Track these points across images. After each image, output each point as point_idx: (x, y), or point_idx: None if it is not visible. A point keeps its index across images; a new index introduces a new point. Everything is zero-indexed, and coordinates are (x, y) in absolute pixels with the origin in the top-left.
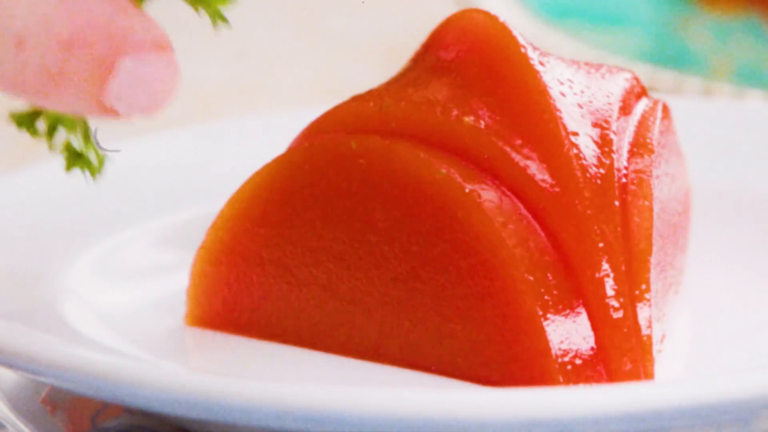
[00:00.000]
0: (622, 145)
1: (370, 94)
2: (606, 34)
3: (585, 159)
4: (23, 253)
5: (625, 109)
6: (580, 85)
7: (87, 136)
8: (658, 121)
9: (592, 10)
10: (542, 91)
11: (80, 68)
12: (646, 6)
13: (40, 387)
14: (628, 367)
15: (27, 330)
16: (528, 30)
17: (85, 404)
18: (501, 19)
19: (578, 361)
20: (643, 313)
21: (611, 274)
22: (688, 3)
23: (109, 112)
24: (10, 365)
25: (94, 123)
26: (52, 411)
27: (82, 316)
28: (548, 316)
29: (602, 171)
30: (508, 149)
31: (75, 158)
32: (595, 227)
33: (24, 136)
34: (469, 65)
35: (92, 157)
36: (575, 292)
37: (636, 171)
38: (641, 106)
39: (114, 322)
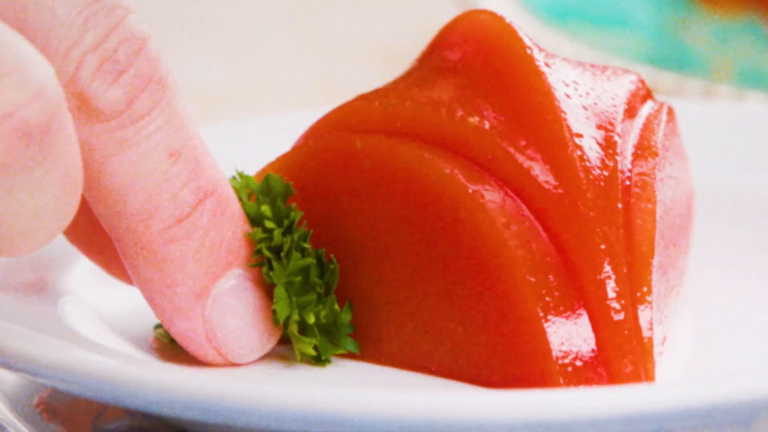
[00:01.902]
0: (627, 147)
1: (376, 93)
2: (607, 35)
3: (589, 161)
4: (23, 254)
5: (630, 112)
6: (585, 87)
7: None
8: (662, 124)
9: (593, 11)
10: (547, 93)
11: (202, 225)
12: (646, 7)
13: (40, 389)
14: (629, 369)
15: (28, 332)
16: (528, 30)
17: (85, 406)
18: (507, 20)
19: (579, 363)
20: (644, 315)
21: (613, 276)
22: (689, 4)
23: (204, 319)
24: (10, 367)
25: None
26: (48, 417)
27: (83, 317)
28: (549, 317)
29: (606, 173)
30: (512, 150)
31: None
32: (598, 229)
33: None
34: (475, 66)
35: None
36: (577, 293)
37: (640, 174)
38: (646, 109)
39: (114, 323)
